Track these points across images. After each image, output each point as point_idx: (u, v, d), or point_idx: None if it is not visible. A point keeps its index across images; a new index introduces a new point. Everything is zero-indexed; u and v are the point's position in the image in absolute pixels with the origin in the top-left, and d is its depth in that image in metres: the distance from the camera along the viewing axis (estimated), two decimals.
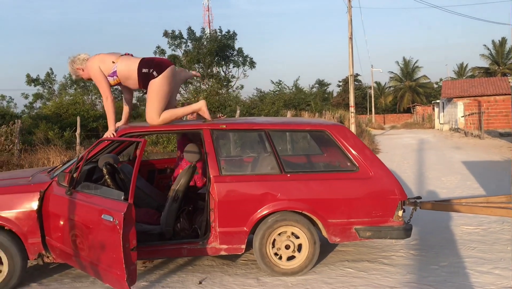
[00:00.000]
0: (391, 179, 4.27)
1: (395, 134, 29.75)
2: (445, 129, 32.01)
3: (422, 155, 15.29)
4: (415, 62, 59.31)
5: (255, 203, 4.12)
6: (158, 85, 4.16)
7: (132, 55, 4.37)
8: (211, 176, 4.13)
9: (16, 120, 10.57)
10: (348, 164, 4.34)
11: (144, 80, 4.18)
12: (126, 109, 4.68)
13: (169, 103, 4.39)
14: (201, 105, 4.44)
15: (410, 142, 21.66)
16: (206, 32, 27.30)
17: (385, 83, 64.07)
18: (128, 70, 4.18)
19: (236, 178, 4.19)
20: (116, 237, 3.24)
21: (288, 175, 4.20)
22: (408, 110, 57.46)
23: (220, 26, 28.28)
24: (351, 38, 19.46)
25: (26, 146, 10.61)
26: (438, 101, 37.13)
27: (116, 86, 4.48)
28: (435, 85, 59.28)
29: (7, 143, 10.02)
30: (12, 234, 3.94)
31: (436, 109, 37.69)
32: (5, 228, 3.95)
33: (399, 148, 18.60)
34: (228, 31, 26.12)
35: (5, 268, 3.90)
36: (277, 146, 4.39)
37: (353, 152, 4.31)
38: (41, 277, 4.33)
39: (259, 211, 4.12)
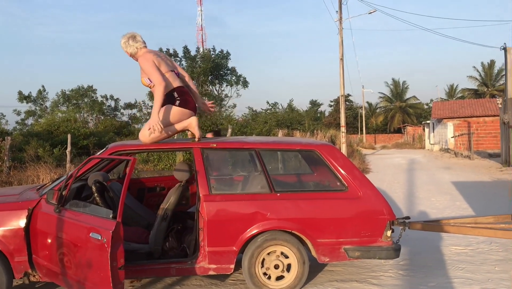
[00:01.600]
0: (380, 199, 4.30)
1: (386, 154, 29.89)
2: (436, 150, 32.25)
3: (413, 175, 15.38)
4: (404, 83, 60.05)
5: (245, 222, 4.12)
6: (171, 112, 4.29)
7: (178, 75, 4.49)
8: (200, 195, 4.13)
9: (5, 138, 10.51)
10: (337, 183, 4.36)
11: (166, 99, 4.26)
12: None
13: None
14: (190, 121, 4.42)
15: (401, 162, 21.77)
16: (200, 51, 27.55)
17: (376, 103, 64.70)
18: (166, 85, 4.26)
19: (225, 196, 4.19)
20: (104, 255, 3.22)
21: (278, 194, 4.21)
22: (398, 131, 57.90)
23: (213, 46, 28.58)
24: (342, 59, 19.67)
25: (15, 163, 10.53)
26: (428, 121, 37.49)
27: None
28: (426, 106, 59.95)
29: None
30: None
31: (427, 130, 38.02)
32: None
33: (389, 167, 18.68)
34: (222, 51, 26.44)
35: None
36: (268, 165, 4.41)
37: (342, 171, 4.34)
38: None
39: (248, 230, 4.11)
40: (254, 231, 4.11)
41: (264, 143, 4.55)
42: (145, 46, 4.41)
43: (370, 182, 4.44)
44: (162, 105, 4.29)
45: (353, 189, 4.29)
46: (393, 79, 60.66)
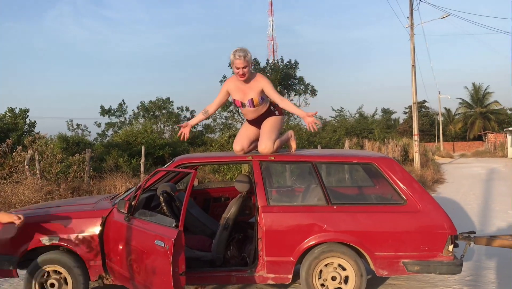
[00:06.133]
0: (440, 213, 4.22)
1: (464, 163, 28.51)
2: None
3: (491, 185, 14.58)
4: (486, 88, 56.91)
5: (302, 233, 4.21)
6: (278, 121, 4.69)
7: None
8: (259, 206, 4.29)
9: (87, 150, 11.33)
10: (396, 196, 4.33)
11: (266, 114, 4.69)
12: (201, 117, 4.80)
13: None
14: (292, 134, 4.87)
15: (479, 172, 20.69)
16: (270, 62, 27.97)
17: (456, 109, 61.75)
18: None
19: (283, 208, 4.31)
20: (167, 261, 3.46)
21: (335, 207, 4.27)
22: (479, 138, 54.90)
23: (282, 56, 28.91)
24: (414, 66, 19.13)
25: (95, 173, 11.31)
26: (511, 128, 35.28)
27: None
28: (509, 112, 56.39)
29: (78, 170, 10.74)
30: (76, 256, 4.29)
31: (509, 137, 35.76)
32: (71, 250, 4.32)
33: (466, 177, 17.83)
34: (290, 61, 26.62)
35: (69, 288, 4.24)
36: (325, 177, 4.48)
37: (401, 185, 4.31)
38: None
39: (305, 241, 4.20)
40: (311, 243, 4.19)
41: (321, 156, 4.62)
42: None
43: (430, 195, 4.36)
44: (262, 120, 4.67)
45: (412, 202, 4.25)
46: (473, 84, 57.77)
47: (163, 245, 3.54)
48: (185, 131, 4.68)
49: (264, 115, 4.69)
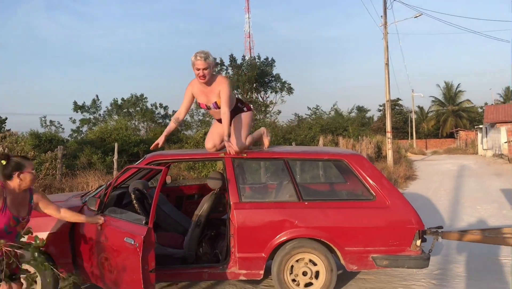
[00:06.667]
0: (408, 209, 4.31)
1: (436, 160, 29.08)
2: (489, 155, 31.02)
3: (461, 182, 14.94)
4: (458, 86, 58.20)
5: (273, 229, 4.25)
6: (248, 118, 4.67)
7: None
8: (231, 203, 4.31)
9: (59, 147, 11.14)
10: (365, 192, 4.41)
11: (234, 111, 4.63)
12: (174, 126, 4.74)
13: None
14: (264, 130, 4.91)
15: (450, 168, 21.15)
16: (246, 59, 27.93)
17: (429, 107, 62.91)
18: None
19: (255, 205, 4.34)
20: (136, 259, 3.45)
21: (306, 203, 4.32)
22: (451, 135, 56.10)
23: (259, 53, 29.00)
24: (387, 64, 19.42)
25: (68, 170, 11.13)
26: (481, 126, 36.18)
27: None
28: (480, 110, 57.74)
29: (51, 168, 10.56)
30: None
31: (479, 135, 36.68)
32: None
33: (438, 174, 18.21)
34: (267, 58, 26.67)
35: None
36: (297, 174, 4.52)
37: (370, 181, 4.39)
38: None
39: (277, 237, 4.24)
40: (283, 239, 4.23)
41: (293, 153, 4.67)
42: None
43: (399, 191, 4.46)
44: (231, 118, 4.58)
45: (381, 198, 4.33)
46: (445, 82, 59.00)
47: (132, 242, 3.52)
48: (160, 142, 4.61)
49: (232, 114, 4.66)
